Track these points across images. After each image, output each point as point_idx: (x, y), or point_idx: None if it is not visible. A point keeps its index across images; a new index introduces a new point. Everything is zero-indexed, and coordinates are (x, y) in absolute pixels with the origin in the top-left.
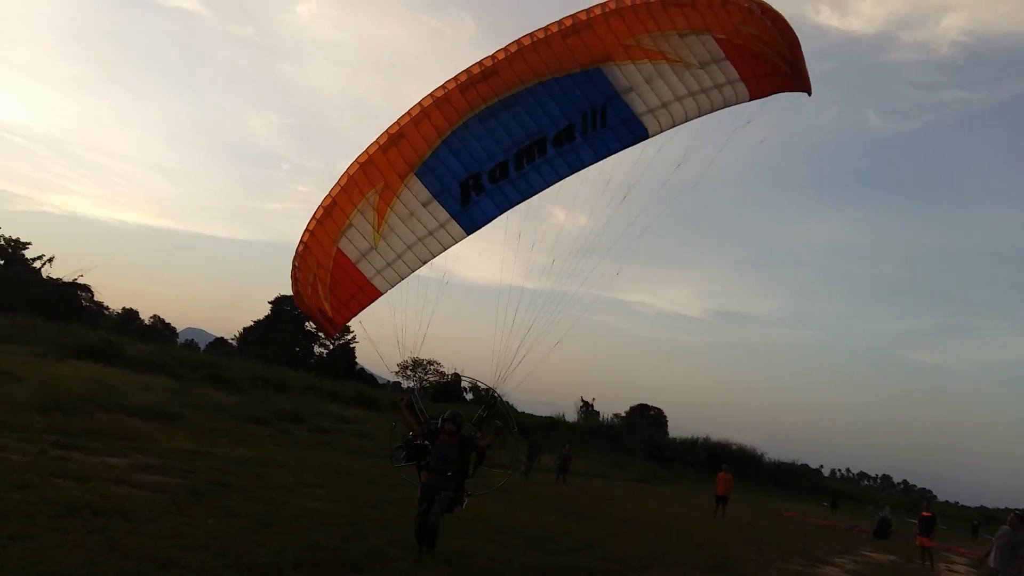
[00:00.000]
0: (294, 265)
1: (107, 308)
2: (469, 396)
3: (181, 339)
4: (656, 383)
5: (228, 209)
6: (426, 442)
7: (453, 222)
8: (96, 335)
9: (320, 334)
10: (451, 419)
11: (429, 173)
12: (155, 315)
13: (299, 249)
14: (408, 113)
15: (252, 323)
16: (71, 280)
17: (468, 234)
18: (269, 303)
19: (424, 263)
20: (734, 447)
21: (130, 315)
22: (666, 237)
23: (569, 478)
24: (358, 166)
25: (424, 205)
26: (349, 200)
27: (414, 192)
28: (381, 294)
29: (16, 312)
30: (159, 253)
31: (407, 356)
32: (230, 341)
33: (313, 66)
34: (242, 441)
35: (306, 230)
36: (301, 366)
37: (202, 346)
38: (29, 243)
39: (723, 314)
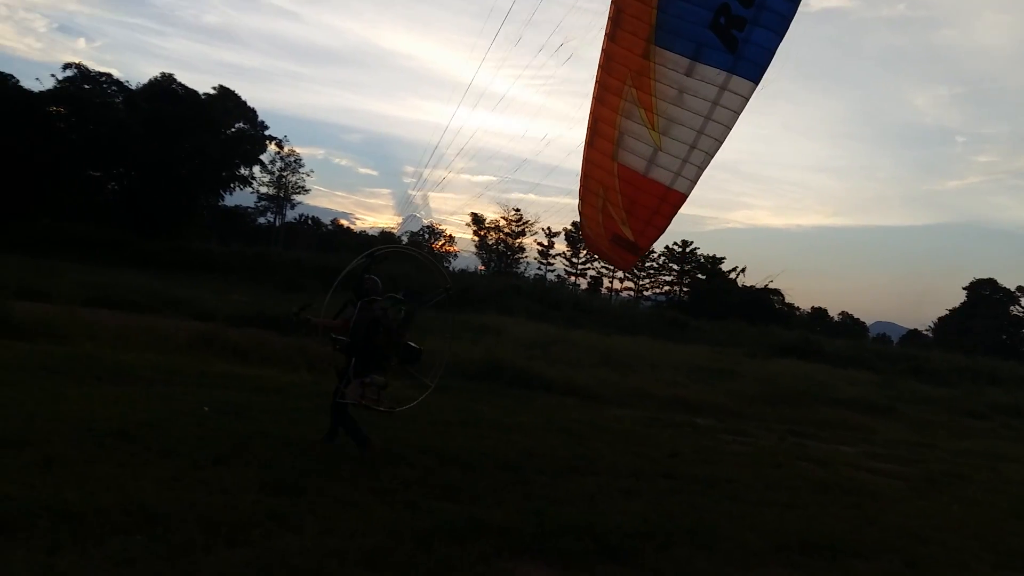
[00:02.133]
0: (579, 199)
1: (797, 308)
2: None
3: (872, 333)
4: None
5: (901, 195)
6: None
7: (734, 77)
8: (793, 334)
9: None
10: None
11: (671, 36)
12: (843, 311)
13: (581, 181)
14: None
15: (947, 312)
16: (762, 286)
17: (757, 83)
18: (964, 289)
19: (722, 141)
20: None
21: (819, 313)
22: None
23: None
24: (599, 69)
25: (689, 75)
26: (608, 108)
27: (669, 65)
28: (686, 196)
29: (723, 318)
30: (839, 251)
31: None
32: (924, 332)
33: (978, 24)
34: (962, 434)
35: (583, 159)
36: (1012, 355)
37: (894, 339)
38: (724, 258)
39: None
